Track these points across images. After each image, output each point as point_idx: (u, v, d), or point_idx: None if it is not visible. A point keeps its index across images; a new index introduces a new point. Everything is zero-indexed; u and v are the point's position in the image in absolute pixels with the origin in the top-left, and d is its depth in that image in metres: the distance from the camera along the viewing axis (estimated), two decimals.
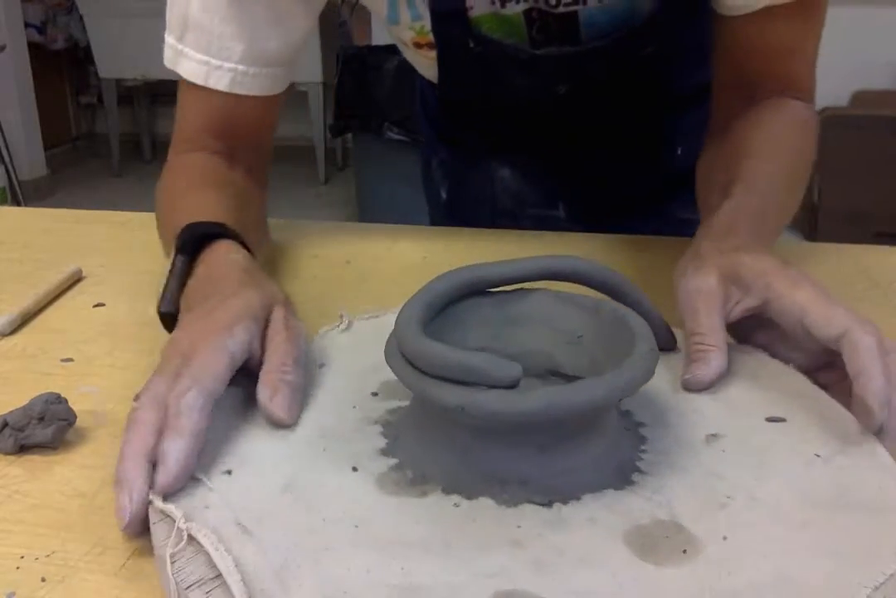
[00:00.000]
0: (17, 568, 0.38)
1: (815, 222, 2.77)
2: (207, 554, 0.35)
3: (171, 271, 0.55)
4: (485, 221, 0.91)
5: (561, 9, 0.72)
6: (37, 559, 0.39)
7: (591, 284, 0.47)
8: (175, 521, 0.36)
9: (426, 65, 0.79)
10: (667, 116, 0.86)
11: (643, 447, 0.42)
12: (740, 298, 0.49)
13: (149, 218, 0.87)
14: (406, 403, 0.45)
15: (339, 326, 0.55)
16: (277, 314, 0.48)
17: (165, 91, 3.89)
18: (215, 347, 0.44)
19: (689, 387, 0.47)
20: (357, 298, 0.59)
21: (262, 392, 0.44)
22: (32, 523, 0.41)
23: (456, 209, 0.97)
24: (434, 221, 1.02)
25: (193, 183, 0.70)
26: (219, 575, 0.34)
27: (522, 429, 0.38)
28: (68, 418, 0.47)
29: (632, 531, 0.37)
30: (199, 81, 0.70)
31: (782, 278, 0.48)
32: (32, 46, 3.76)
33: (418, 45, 0.77)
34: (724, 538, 0.36)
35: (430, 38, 0.75)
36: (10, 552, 0.39)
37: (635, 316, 0.43)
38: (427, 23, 0.74)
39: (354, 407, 0.46)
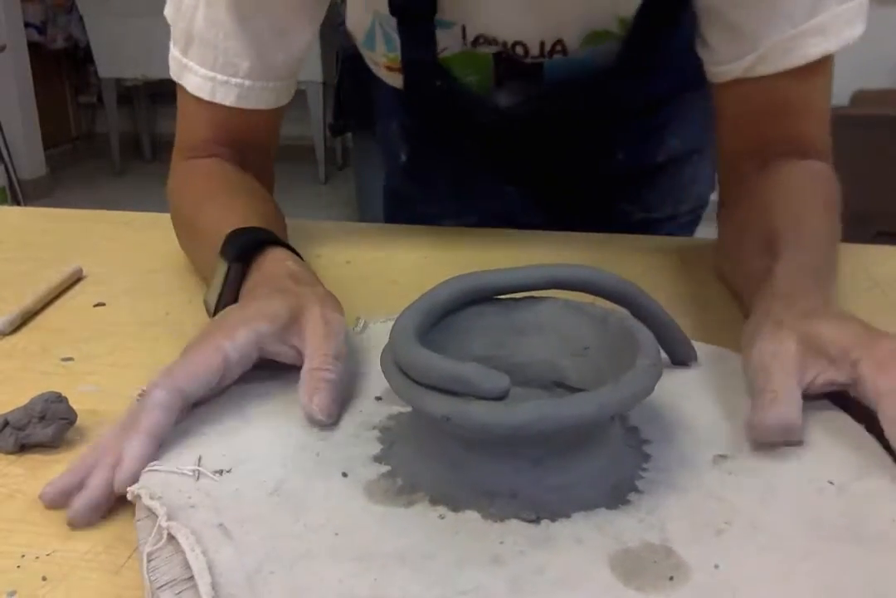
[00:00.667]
0: (18, 567, 0.38)
1: None
2: (184, 556, 0.35)
3: (225, 279, 0.55)
4: (442, 187, 0.93)
5: (529, 60, 0.74)
6: (37, 558, 0.39)
7: (604, 294, 0.46)
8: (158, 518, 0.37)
9: (394, 82, 0.81)
10: (612, 127, 0.87)
11: (645, 465, 0.41)
12: (823, 369, 0.44)
13: (150, 218, 0.88)
14: (408, 409, 0.45)
15: (354, 328, 0.55)
16: (312, 313, 0.48)
17: (165, 91, 3.89)
18: (208, 349, 0.45)
19: (757, 438, 0.42)
20: (357, 298, 0.59)
21: (303, 392, 0.44)
22: (33, 522, 0.41)
23: (414, 174, 0.97)
24: (389, 184, 1.01)
25: (219, 188, 0.70)
26: (192, 577, 0.34)
27: (513, 441, 0.37)
28: (69, 418, 0.47)
29: (619, 553, 0.35)
30: (206, 97, 0.70)
31: (868, 359, 0.43)
32: (32, 46, 3.76)
33: (390, 69, 0.79)
34: (716, 567, 0.34)
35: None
36: (10, 551, 0.39)
37: (642, 329, 0.42)
38: (400, 54, 0.76)
39: (356, 410, 0.46)
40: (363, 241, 0.81)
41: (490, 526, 0.37)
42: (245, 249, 0.56)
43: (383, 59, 0.78)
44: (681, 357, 0.49)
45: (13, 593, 0.37)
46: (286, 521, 0.37)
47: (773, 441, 0.42)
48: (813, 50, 0.63)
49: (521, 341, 0.45)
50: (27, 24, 3.74)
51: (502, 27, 0.72)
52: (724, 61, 0.66)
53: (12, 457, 0.46)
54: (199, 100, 0.71)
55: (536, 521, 0.37)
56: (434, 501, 0.39)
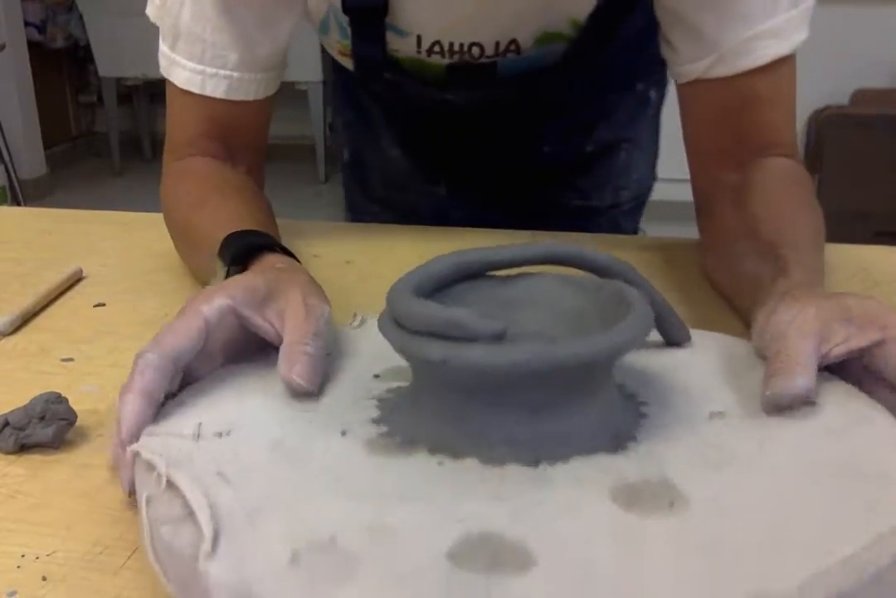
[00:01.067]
0: (18, 567, 0.38)
1: None
2: (184, 498, 0.35)
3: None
4: (377, 187, 0.97)
5: (482, 60, 0.76)
6: (38, 558, 0.39)
7: (598, 270, 0.46)
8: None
9: (348, 65, 0.82)
10: (544, 121, 0.90)
11: (642, 421, 0.42)
12: (846, 337, 0.43)
13: (149, 218, 0.88)
14: (406, 383, 0.45)
15: (351, 323, 0.55)
16: (294, 295, 0.49)
17: (165, 90, 3.90)
18: (188, 314, 0.46)
19: (771, 405, 0.41)
20: (357, 298, 0.59)
21: (282, 365, 0.44)
22: (33, 522, 0.41)
23: (355, 172, 1.02)
24: (344, 182, 1.06)
25: (211, 189, 0.70)
26: (191, 513, 0.34)
27: (511, 387, 0.38)
28: (69, 418, 0.47)
29: (619, 487, 0.36)
30: (195, 90, 0.71)
31: None
32: (32, 45, 3.75)
33: (342, 54, 0.81)
34: (716, 497, 0.35)
35: None
36: (10, 551, 0.39)
37: (633, 291, 0.42)
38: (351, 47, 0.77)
39: (354, 386, 0.46)
40: (363, 241, 0.81)
41: (490, 470, 0.38)
42: (242, 252, 0.57)
43: (337, 46, 0.80)
44: (674, 338, 0.50)
45: (13, 593, 0.37)
46: (285, 469, 0.38)
47: (785, 407, 0.41)
48: (768, 52, 0.65)
49: (516, 313, 0.45)
50: (27, 24, 3.74)
51: (459, 32, 0.74)
52: (686, 62, 0.68)
53: (12, 457, 0.46)
54: (188, 94, 0.71)
55: (535, 464, 0.38)
56: (433, 451, 0.39)
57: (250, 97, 0.73)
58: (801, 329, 0.43)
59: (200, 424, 0.41)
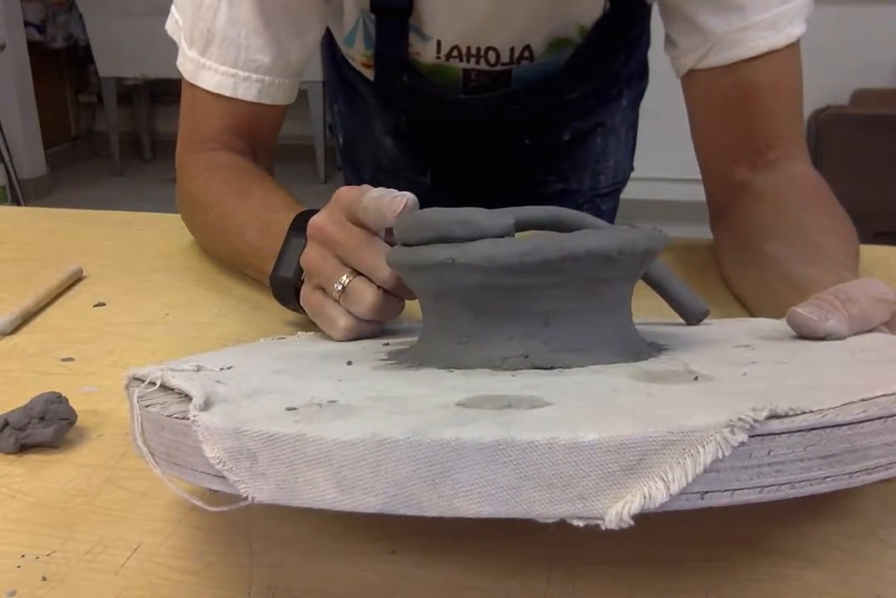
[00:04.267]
0: (18, 567, 0.38)
1: None
2: (177, 393, 0.34)
3: (285, 247, 0.57)
4: (369, 173, 0.99)
5: (498, 67, 0.79)
6: (38, 558, 0.39)
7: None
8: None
9: (368, 75, 0.86)
10: (529, 122, 0.93)
11: (662, 350, 0.40)
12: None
13: (149, 218, 0.88)
14: (415, 338, 0.44)
15: None
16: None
17: (165, 90, 3.89)
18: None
19: (795, 322, 0.41)
20: None
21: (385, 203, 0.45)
22: (33, 522, 0.41)
23: (349, 158, 1.05)
24: (340, 159, 1.10)
25: (251, 180, 0.71)
26: (183, 398, 0.33)
27: (522, 290, 0.36)
28: (69, 418, 0.47)
29: (640, 372, 0.35)
30: (227, 93, 0.72)
31: None
32: (32, 45, 3.75)
33: (366, 65, 0.84)
34: (745, 374, 0.34)
35: None
36: (10, 551, 0.39)
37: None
38: (374, 49, 0.81)
39: (363, 349, 0.46)
40: None
41: (502, 373, 0.36)
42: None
43: (361, 58, 0.83)
44: (692, 311, 0.48)
45: (13, 593, 0.37)
46: (288, 381, 0.37)
47: (805, 335, 0.41)
48: (762, 43, 0.66)
49: None
50: (27, 23, 3.74)
51: (475, 37, 0.77)
52: (683, 53, 0.70)
53: (12, 457, 0.46)
54: (216, 97, 0.72)
55: (550, 368, 0.36)
56: (444, 367, 0.38)
57: (278, 102, 0.74)
58: (867, 291, 0.42)
59: (199, 367, 0.39)
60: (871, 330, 0.42)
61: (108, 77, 3.95)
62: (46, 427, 0.46)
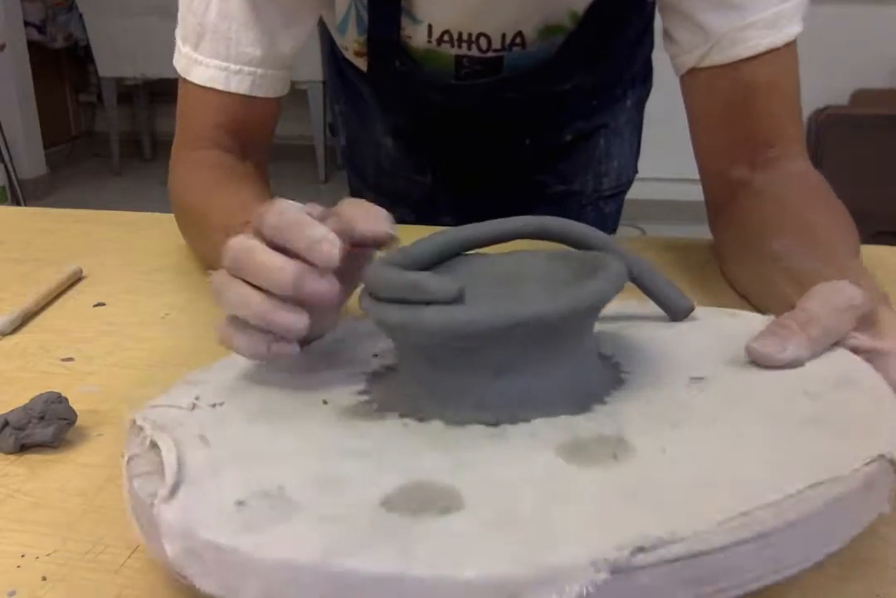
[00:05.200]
0: (18, 567, 0.38)
1: None
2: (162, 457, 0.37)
3: None
4: (370, 174, 1.00)
5: (490, 54, 0.78)
6: (37, 557, 0.39)
7: (577, 243, 0.46)
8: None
9: (361, 65, 0.85)
10: (528, 119, 0.92)
11: (618, 386, 0.41)
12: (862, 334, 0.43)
13: (149, 218, 0.88)
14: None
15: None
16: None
17: (165, 90, 3.89)
18: None
19: (754, 357, 0.41)
20: (356, 297, 0.59)
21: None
22: (33, 522, 0.41)
23: (350, 158, 1.05)
24: (343, 160, 1.10)
25: (225, 177, 0.71)
26: (164, 469, 0.36)
27: (473, 349, 0.38)
28: (69, 418, 0.47)
29: (568, 442, 0.36)
30: (220, 87, 0.72)
31: None
32: (32, 45, 3.75)
33: (358, 54, 0.83)
34: (664, 450, 0.35)
35: None
36: (10, 550, 0.39)
37: (609, 258, 0.42)
38: (367, 33, 0.80)
39: (352, 362, 0.47)
40: None
41: (451, 430, 0.38)
42: None
43: (354, 45, 0.82)
44: (676, 309, 0.48)
45: (13, 593, 0.37)
46: (261, 433, 0.39)
47: (765, 366, 0.41)
48: (762, 41, 0.66)
49: (508, 291, 0.45)
50: (27, 23, 3.74)
51: (467, 22, 0.76)
52: (683, 52, 0.70)
53: (12, 457, 0.46)
54: (208, 91, 0.72)
55: (496, 424, 0.38)
56: (403, 415, 0.40)
57: (270, 94, 0.74)
58: (833, 297, 0.42)
59: (198, 396, 0.43)
60: (837, 343, 0.42)
61: (108, 77, 3.95)
62: (46, 427, 0.46)
